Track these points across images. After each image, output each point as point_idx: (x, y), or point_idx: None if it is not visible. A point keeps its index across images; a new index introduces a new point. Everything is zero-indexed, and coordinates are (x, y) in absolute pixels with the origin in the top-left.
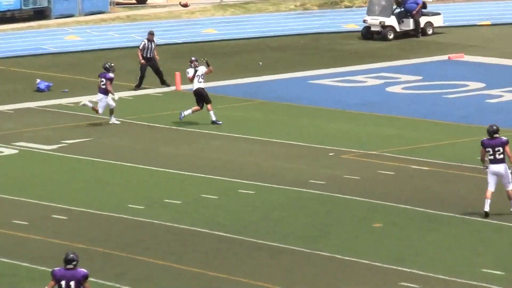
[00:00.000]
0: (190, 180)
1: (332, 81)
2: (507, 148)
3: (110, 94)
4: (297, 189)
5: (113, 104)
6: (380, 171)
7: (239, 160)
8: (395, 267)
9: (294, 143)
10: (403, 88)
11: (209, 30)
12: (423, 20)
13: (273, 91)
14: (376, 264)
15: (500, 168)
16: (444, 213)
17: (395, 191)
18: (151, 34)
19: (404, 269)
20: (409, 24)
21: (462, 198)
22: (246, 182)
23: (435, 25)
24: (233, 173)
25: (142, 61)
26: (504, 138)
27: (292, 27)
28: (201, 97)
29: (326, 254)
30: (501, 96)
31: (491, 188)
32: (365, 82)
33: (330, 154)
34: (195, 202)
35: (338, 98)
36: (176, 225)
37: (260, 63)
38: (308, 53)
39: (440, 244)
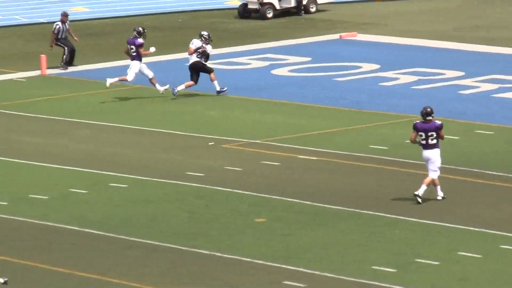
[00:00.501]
0: (57, 173)
1: (212, 63)
2: (442, 133)
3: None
4: (174, 182)
5: (150, 73)
6: (264, 162)
7: (110, 151)
8: (279, 265)
9: (171, 131)
10: (290, 71)
11: (79, 8)
12: None
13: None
14: (259, 262)
15: (432, 153)
16: (333, 207)
17: (281, 183)
18: (64, 15)
19: (289, 267)
20: (291, 0)
21: (353, 190)
22: (118, 174)
23: (319, 1)
24: (104, 165)
25: (51, 46)
26: (438, 122)
27: (169, 4)
28: (198, 69)
29: (205, 252)
30: (396, 78)
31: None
32: (249, 64)
33: (209, 143)
34: (63, 197)
35: (220, 81)
36: (42, 222)
37: None
38: (186, 33)
39: (328, 240)
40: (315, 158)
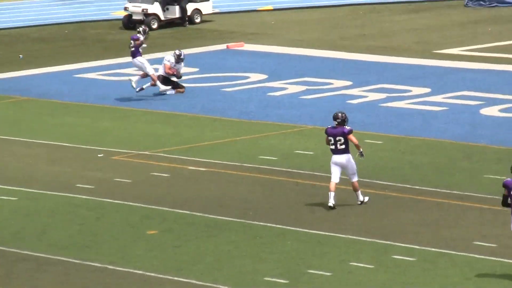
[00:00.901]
0: None
1: (100, 74)
2: (352, 137)
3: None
4: (64, 194)
5: (150, 70)
6: (154, 173)
7: None
8: (171, 277)
9: (59, 143)
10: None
11: None
12: (190, 7)
13: (35, 87)
14: (151, 274)
15: (341, 159)
16: (223, 218)
17: (171, 194)
18: None
19: (180, 279)
20: (175, 11)
21: (243, 201)
22: (6, 187)
23: (204, 12)
24: None
25: None
26: (347, 128)
27: (56, 15)
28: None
29: (97, 264)
30: (284, 88)
31: (334, 179)
32: (137, 75)
33: (99, 155)
34: None
35: (106, 93)
36: None
37: (21, 56)
38: (73, 44)
39: (220, 251)
40: (204, 169)
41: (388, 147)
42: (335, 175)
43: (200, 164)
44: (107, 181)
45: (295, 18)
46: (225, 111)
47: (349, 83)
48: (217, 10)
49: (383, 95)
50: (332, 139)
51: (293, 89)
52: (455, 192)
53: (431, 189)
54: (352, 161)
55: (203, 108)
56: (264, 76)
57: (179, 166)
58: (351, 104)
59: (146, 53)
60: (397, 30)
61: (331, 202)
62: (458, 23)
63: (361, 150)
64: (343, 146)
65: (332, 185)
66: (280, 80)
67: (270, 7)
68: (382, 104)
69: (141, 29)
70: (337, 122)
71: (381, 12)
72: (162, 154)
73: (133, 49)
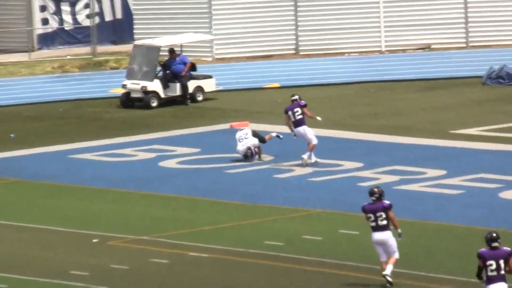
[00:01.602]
0: None
1: (96, 155)
2: (392, 214)
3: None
4: (57, 281)
5: (315, 139)
6: (152, 259)
7: None
8: None
9: (52, 228)
10: (179, 163)
11: None
12: (192, 85)
13: (27, 168)
14: None
15: (383, 236)
16: None
17: (170, 282)
18: None
19: None
20: (176, 89)
21: None
22: None
23: (206, 90)
24: None
25: None
26: (387, 202)
27: (50, 92)
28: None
29: None
30: (291, 170)
31: (383, 258)
32: (135, 156)
33: (94, 240)
34: None
35: (103, 174)
36: None
37: (12, 135)
38: (69, 123)
39: None
40: (206, 255)
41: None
42: (383, 254)
43: (202, 250)
44: (102, 268)
45: (303, 96)
46: (229, 193)
47: (360, 164)
48: (220, 88)
49: (396, 178)
50: (372, 215)
51: (300, 171)
52: (472, 280)
53: (447, 276)
54: (393, 237)
55: (205, 190)
56: (270, 157)
57: (179, 251)
58: (362, 187)
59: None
60: (410, 109)
61: (389, 278)
62: (475, 102)
63: (400, 231)
64: (384, 222)
65: (384, 265)
66: (287, 161)
67: (277, 84)
68: (395, 187)
69: (297, 96)
70: (375, 197)
71: (393, 90)
72: (161, 239)
73: (300, 116)
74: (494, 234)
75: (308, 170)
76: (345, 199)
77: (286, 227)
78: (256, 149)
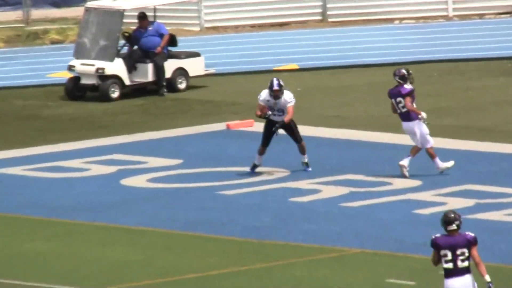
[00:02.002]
0: None
1: (29, 169)
2: (476, 252)
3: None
4: None
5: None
6: None
7: None
8: None
9: None
10: (150, 180)
11: None
12: (170, 66)
13: None
14: None
15: (462, 282)
16: None
17: None
18: None
19: None
20: (147, 72)
21: None
22: None
23: (191, 74)
24: None
25: None
26: (471, 235)
27: None
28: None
29: None
30: (317, 191)
31: None
32: (86, 170)
33: None
34: None
35: (40, 198)
36: None
37: None
38: None
39: None
40: None
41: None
42: None
43: None
44: None
45: (333, 83)
46: (223, 225)
47: (416, 183)
48: (212, 71)
49: (470, 202)
50: (449, 253)
51: (330, 191)
52: None
53: None
54: (476, 285)
55: (188, 221)
56: (285, 172)
57: None
58: (420, 216)
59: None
60: (491, 101)
61: None
62: None
63: (489, 279)
64: (466, 264)
65: None
66: (310, 178)
67: (294, 65)
68: (468, 216)
69: (397, 77)
70: (453, 227)
71: (466, 73)
72: None
73: (405, 110)
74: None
75: (342, 190)
76: (395, 234)
77: (308, 274)
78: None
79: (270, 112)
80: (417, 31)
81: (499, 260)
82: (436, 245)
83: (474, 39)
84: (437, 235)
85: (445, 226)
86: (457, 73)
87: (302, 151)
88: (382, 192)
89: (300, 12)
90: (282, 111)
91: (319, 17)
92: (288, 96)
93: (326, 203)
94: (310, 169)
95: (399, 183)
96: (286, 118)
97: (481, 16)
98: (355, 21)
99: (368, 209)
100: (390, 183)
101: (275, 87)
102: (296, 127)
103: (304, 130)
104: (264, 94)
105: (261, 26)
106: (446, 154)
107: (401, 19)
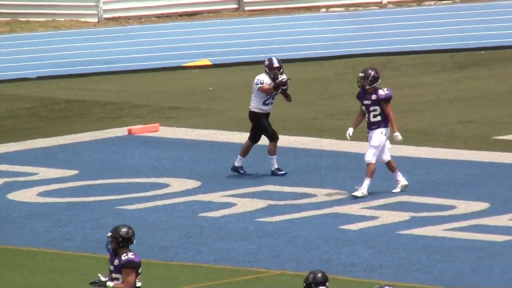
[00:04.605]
0: None
1: None
2: None
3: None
4: None
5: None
6: None
7: None
8: None
9: None
10: (41, 195)
11: None
12: None
13: None
14: None
15: None
16: None
17: None
18: None
19: None
20: None
21: None
22: None
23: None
24: None
25: None
26: None
27: None
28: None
29: None
30: (231, 204)
31: None
32: None
33: None
34: None
35: None
36: None
37: None
38: None
39: None
40: None
41: None
42: None
43: None
44: None
45: (250, 81)
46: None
47: (344, 194)
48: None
49: (405, 215)
50: None
51: (245, 205)
52: None
53: None
54: None
55: (85, 241)
56: (194, 183)
57: None
58: (349, 232)
59: None
60: (429, 100)
61: None
62: None
63: None
64: None
65: None
66: (223, 190)
67: (206, 60)
68: (405, 231)
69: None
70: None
71: (401, 68)
72: None
73: (378, 116)
74: (320, 275)
75: (259, 204)
76: (319, 253)
77: None
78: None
79: (285, 76)
80: (347, 20)
81: (439, 282)
82: None
83: (411, 29)
84: None
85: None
86: (391, 68)
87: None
88: (305, 205)
89: (213, 0)
90: (274, 97)
91: (234, 5)
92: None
93: (241, 218)
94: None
95: (324, 195)
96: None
97: (419, 2)
98: (275, 9)
99: (289, 225)
100: (314, 195)
101: (276, 64)
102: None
103: (216, 136)
104: (267, 79)
105: (169, 17)
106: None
107: (328, 6)
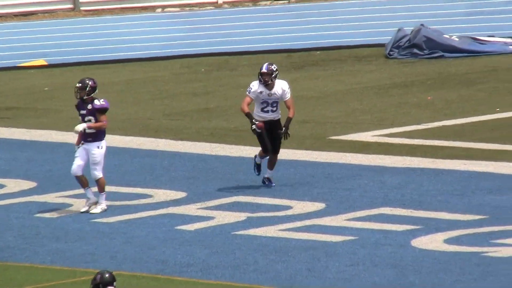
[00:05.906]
0: None
1: None
2: None
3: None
4: None
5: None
6: None
7: None
8: None
9: None
10: None
11: None
12: None
13: None
14: None
15: None
16: None
17: None
18: None
19: None
20: None
21: None
22: None
23: None
24: None
25: None
26: None
27: None
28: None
29: None
30: (68, 205)
31: None
32: None
33: None
34: None
35: None
36: None
37: None
38: None
39: None
40: None
41: None
42: None
43: None
44: None
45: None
46: None
47: (181, 194)
48: None
49: (241, 215)
50: None
51: (81, 205)
52: None
53: None
54: None
55: None
56: (30, 184)
57: None
58: (185, 232)
59: None
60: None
61: None
62: (373, 88)
63: None
64: None
65: None
66: (59, 190)
67: (42, 60)
68: (241, 232)
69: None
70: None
71: (237, 69)
72: None
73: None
74: (107, 275)
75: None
76: (156, 254)
77: None
78: None
79: (258, 129)
80: (182, 20)
81: (275, 283)
82: None
83: (247, 29)
84: None
85: None
86: (227, 68)
87: (273, 165)
88: (141, 206)
89: (48, 0)
90: (276, 105)
91: (70, 5)
92: (284, 85)
93: (77, 219)
94: (273, 184)
95: (160, 195)
96: (291, 113)
97: (254, 2)
98: (111, 9)
99: (125, 226)
100: (150, 195)
101: (263, 70)
102: None
103: (52, 136)
104: (256, 85)
105: (3, 17)
106: (208, 160)
107: (163, 6)
